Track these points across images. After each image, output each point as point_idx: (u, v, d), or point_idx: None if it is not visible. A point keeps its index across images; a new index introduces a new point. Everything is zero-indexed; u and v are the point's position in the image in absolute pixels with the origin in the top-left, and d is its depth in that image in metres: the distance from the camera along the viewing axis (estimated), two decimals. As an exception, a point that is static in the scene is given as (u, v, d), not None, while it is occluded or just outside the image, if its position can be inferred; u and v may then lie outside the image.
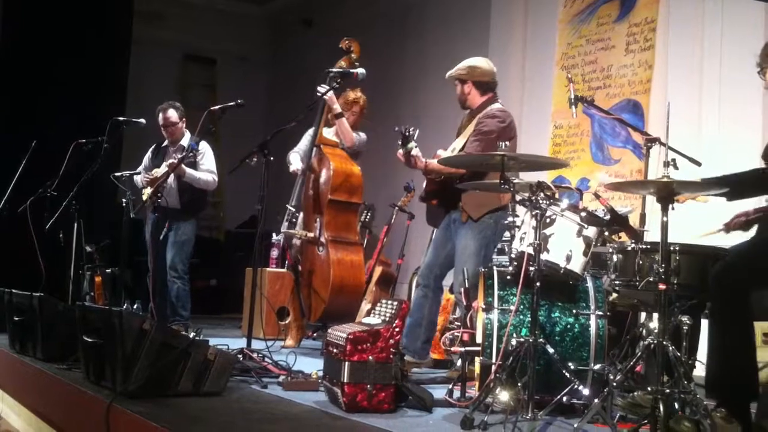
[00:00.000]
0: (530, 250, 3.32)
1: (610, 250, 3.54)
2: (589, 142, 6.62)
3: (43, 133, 6.46)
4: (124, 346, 3.38)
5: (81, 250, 5.96)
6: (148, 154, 6.34)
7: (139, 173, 6.24)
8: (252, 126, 9.54)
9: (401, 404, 3.43)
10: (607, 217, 3.47)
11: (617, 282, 3.51)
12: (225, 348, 3.99)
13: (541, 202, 3.34)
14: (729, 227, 3.53)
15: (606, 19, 6.63)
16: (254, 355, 4.33)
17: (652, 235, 3.72)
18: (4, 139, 7.46)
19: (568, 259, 3.40)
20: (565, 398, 3.25)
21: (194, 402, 3.40)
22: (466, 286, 3.93)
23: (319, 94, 5.40)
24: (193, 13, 10.84)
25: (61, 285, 5.70)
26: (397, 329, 3.38)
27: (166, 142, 6.26)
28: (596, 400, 3.01)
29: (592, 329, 3.53)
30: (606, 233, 3.64)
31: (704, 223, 4.34)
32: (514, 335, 3.43)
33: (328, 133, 5.77)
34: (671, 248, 3.15)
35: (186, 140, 6.12)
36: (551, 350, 3.31)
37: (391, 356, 3.34)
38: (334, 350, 3.46)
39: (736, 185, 3.30)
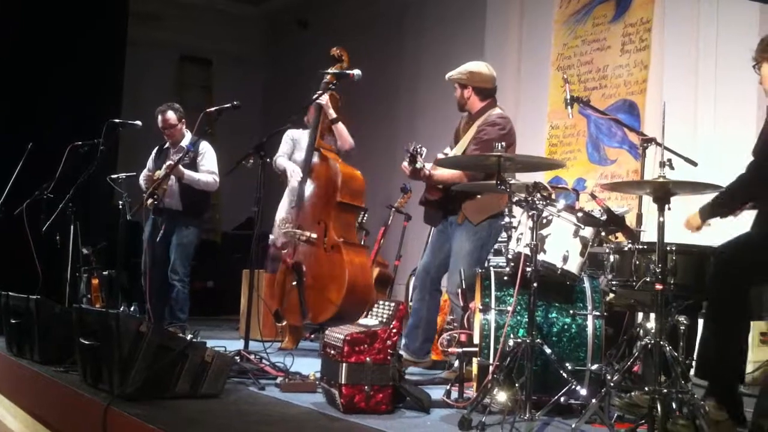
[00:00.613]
0: (527, 251, 3.32)
1: (607, 251, 3.55)
2: (586, 143, 6.63)
3: (38, 135, 6.44)
4: (121, 349, 3.38)
5: (78, 252, 5.96)
6: (152, 155, 6.29)
7: (135, 174, 6.22)
8: (248, 127, 9.52)
9: (399, 405, 3.43)
10: (604, 217, 3.48)
11: (614, 282, 3.52)
12: (222, 350, 3.98)
13: (537, 202, 3.35)
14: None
15: (601, 19, 6.64)
16: (252, 357, 4.33)
17: (648, 235, 3.73)
18: (0, 141, 7.45)
19: (565, 259, 3.40)
20: (562, 398, 3.26)
21: (191, 404, 3.40)
22: (463, 287, 3.93)
23: (314, 98, 5.39)
24: (190, 13, 10.83)
25: (58, 287, 5.70)
26: (394, 330, 3.38)
27: (167, 144, 6.24)
28: (594, 401, 3.01)
29: (589, 329, 3.53)
30: (603, 234, 3.65)
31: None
32: (512, 336, 3.44)
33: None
34: (668, 248, 3.16)
35: (187, 141, 6.07)
36: (548, 351, 3.31)
37: (389, 357, 3.34)
38: (332, 352, 3.46)
39: (733, 196, 3.32)
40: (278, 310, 5.96)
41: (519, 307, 3.49)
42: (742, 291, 3.10)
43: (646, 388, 2.88)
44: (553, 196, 3.49)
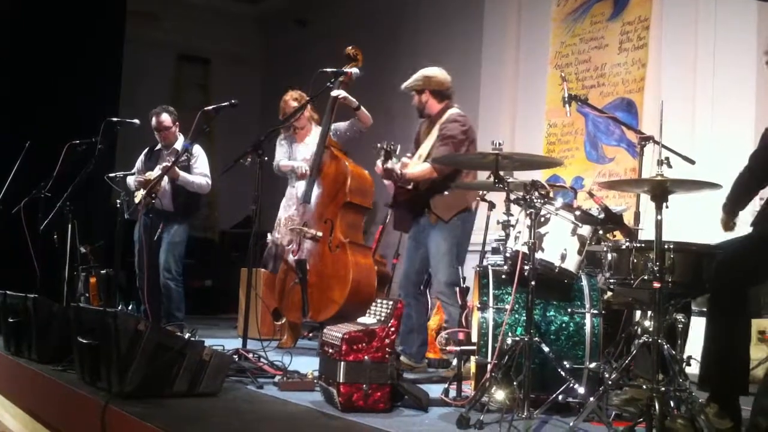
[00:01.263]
0: (525, 249, 3.33)
1: (605, 249, 3.54)
2: (584, 141, 6.63)
3: (36, 133, 6.44)
4: (120, 347, 3.38)
5: (75, 251, 5.95)
6: (141, 157, 6.33)
7: (133, 174, 6.23)
8: (246, 126, 9.52)
9: (397, 404, 3.44)
10: (602, 215, 3.49)
11: (612, 280, 3.51)
12: (220, 348, 3.98)
13: (535, 201, 3.35)
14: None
15: (599, 17, 6.64)
16: (250, 356, 4.33)
17: (646, 233, 3.73)
18: (-3, 140, 7.44)
19: (563, 257, 3.41)
20: (560, 397, 3.26)
21: (190, 403, 3.40)
22: (461, 285, 3.95)
23: (332, 94, 5.43)
24: (188, 13, 10.83)
25: (56, 286, 5.69)
26: (392, 329, 3.38)
27: (159, 146, 6.25)
28: (592, 399, 3.02)
29: (587, 328, 3.53)
30: (600, 232, 3.66)
31: (701, 222, 4.36)
32: (510, 334, 3.43)
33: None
34: (665, 246, 3.15)
35: (179, 144, 6.12)
36: (546, 349, 3.31)
37: (387, 356, 3.35)
38: (330, 350, 3.46)
39: (737, 197, 3.33)
40: (277, 308, 5.96)
41: (517, 306, 3.49)
42: (743, 291, 3.10)
43: (644, 386, 2.88)
44: (551, 195, 3.50)
